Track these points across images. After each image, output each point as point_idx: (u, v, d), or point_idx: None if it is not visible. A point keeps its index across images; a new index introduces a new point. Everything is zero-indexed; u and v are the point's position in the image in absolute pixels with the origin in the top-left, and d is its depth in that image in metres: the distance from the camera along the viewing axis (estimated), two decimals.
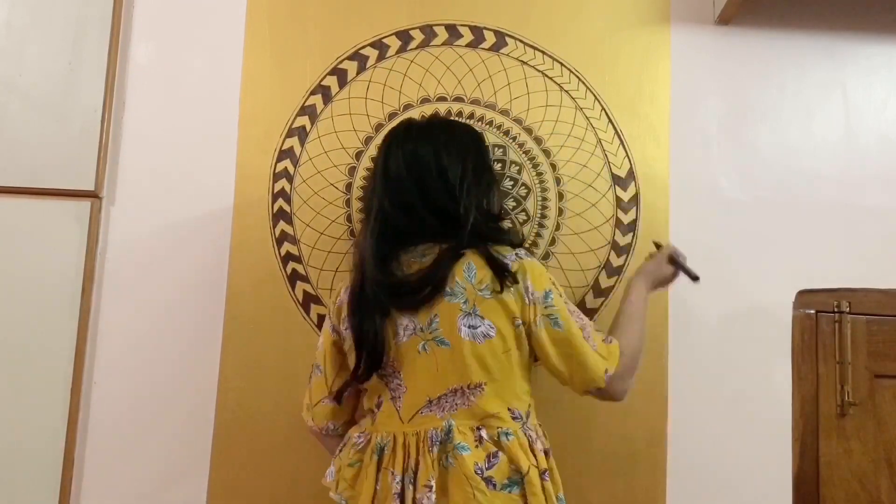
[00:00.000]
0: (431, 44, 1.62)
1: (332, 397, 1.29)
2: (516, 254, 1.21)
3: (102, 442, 1.52)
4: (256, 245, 1.56)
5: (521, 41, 1.62)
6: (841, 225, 1.60)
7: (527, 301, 1.18)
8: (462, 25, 1.62)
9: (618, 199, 1.58)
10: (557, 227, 1.57)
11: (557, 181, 1.58)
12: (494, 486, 1.13)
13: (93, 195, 1.56)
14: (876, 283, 1.56)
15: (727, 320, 1.56)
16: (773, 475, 1.51)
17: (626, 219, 1.58)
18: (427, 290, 1.16)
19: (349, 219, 1.57)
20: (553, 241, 1.57)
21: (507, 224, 1.44)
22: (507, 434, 1.16)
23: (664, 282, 1.43)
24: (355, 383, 1.24)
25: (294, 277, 1.55)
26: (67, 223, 1.55)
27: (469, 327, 1.16)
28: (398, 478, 1.14)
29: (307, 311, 1.54)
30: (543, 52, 1.62)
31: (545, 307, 1.19)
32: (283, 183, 1.58)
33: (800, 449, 1.52)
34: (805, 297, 1.56)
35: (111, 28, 1.60)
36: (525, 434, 1.19)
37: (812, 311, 1.55)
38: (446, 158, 1.21)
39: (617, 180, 1.59)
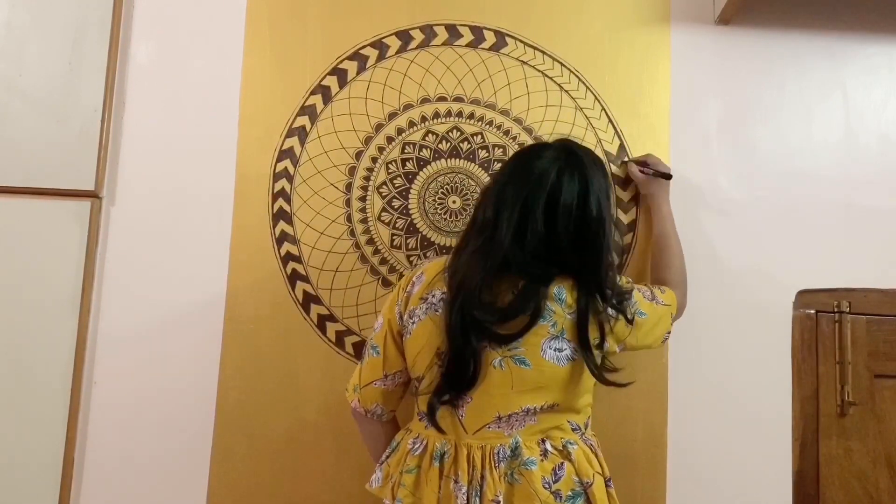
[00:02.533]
0: (431, 44, 1.62)
1: (389, 383, 1.26)
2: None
3: (102, 442, 1.52)
4: (256, 245, 1.56)
5: (521, 41, 1.62)
6: (841, 225, 1.60)
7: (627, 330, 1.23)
8: (462, 25, 1.62)
9: (618, 199, 1.58)
10: None
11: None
12: (561, 498, 1.14)
13: (93, 195, 1.56)
14: (876, 283, 1.57)
15: (727, 320, 1.56)
16: (773, 475, 1.52)
17: (626, 219, 1.58)
18: (519, 321, 1.14)
19: (349, 219, 1.57)
20: None
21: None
22: (571, 443, 1.18)
23: (665, 189, 1.52)
24: (380, 355, 1.24)
25: (294, 277, 1.55)
26: (67, 223, 1.55)
27: (555, 350, 1.15)
28: (464, 489, 1.13)
29: (307, 311, 1.54)
30: (543, 52, 1.62)
31: (631, 308, 1.24)
32: (283, 183, 1.58)
33: (800, 449, 1.52)
34: (805, 297, 1.56)
35: (111, 28, 1.59)
36: (586, 443, 1.20)
37: (812, 311, 1.55)
38: (586, 204, 1.16)
39: (617, 180, 1.59)
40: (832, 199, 1.61)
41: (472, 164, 1.58)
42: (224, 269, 1.55)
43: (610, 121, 1.60)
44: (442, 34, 1.62)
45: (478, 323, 1.14)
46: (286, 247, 1.56)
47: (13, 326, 1.52)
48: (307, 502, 1.50)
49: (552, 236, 1.15)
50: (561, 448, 1.16)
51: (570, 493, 1.14)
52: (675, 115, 1.61)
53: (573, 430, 1.20)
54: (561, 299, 1.17)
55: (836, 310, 1.55)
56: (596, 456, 1.21)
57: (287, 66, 1.61)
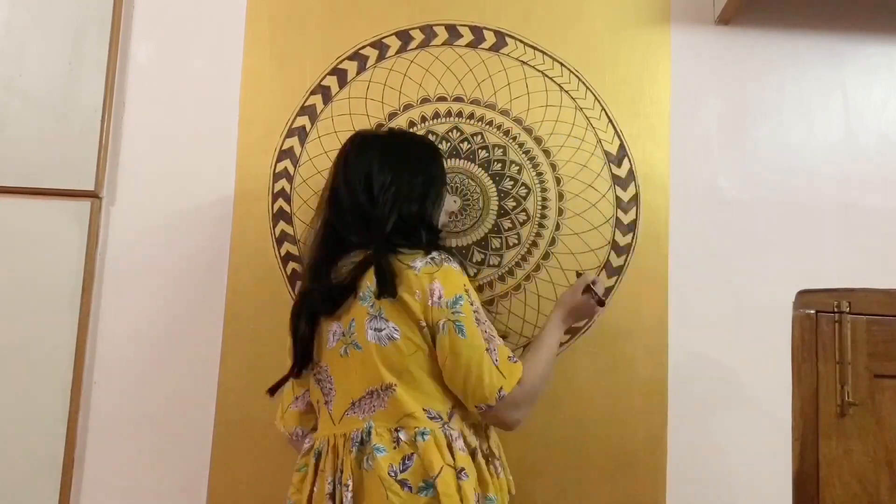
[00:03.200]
0: (431, 44, 1.62)
1: (299, 404, 1.31)
2: (431, 258, 1.20)
3: (102, 442, 1.52)
4: (256, 245, 1.56)
5: (521, 41, 1.62)
6: (841, 225, 1.60)
7: (430, 303, 1.17)
8: (462, 25, 1.62)
9: (618, 199, 1.58)
10: (557, 227, 1.57)
11: (557, 181, 1.58)
12: (410, 488, 1.13)
13: (93, 195, 1.56)
14: (876, 283, 1.57)
15: (727, 320, 1.56)
16: (773, 475, 1.52)
17: (626, 219, 1.58)
18: (340, 297, 1.21)
19: None
20: (553, 242, 1.57)
21: (444, 235, 1.41)
22: (423, 434, 1.16)
23: (581, 312, 1.36)
24: (291, 379, 1.30)
25: (294, 277, 1.55)
26: (67, 223, 1.55)
27: (375, 330, 1.18)
28: (329, 478, 1.17)
29: None
30: (543, 52, 1.62)
31: (452, 312, 1.17)
32: (283, 183, 1.58)
33: (800, 449, 1.52)
34: (805, 297, 1.56)
35: (111, 28, 1.60)
36: (445, 434, 1.17)
37: (812, 311, 1.55)
38: (376, 168, 1.25)
39: (617, 180, 1.59)
40: (832, 199, 1.61)
41: (472, 164, 1.58)
42: (224, 269, 1.55)
43: (610, 121, 1.60)
44: (442, 34, 1.62)
45: (311, 301, 1.24)
46: (286, 247, 1.56)
47: (13, 326, 1.52)
48: None
49: (352, 205, 1.25)
50: (413, 439, 1.16)
51: (421, 483, 1.13)
52: (675, 115, 1.61)
53: (431, 418, 1.17)
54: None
55: (836, 310, 1.55)
56: (450, 447, 1.16)
57: (287, 66, 1.61)
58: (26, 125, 1.56)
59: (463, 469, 1.15)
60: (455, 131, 1.59)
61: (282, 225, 1.57)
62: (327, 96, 1.60)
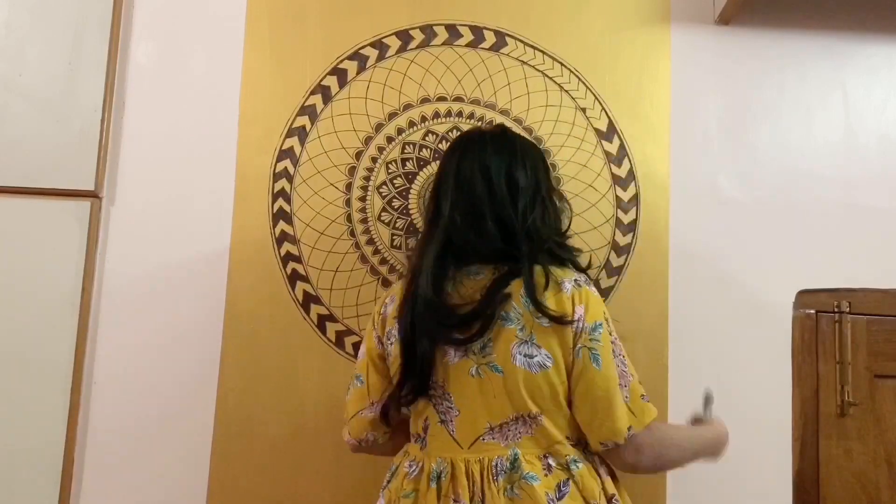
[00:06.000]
0: (431, 44, 1.62)
1: (376, 410, 1.22)
2: (575, 280, 1.14)
3: (102, 442, 1.52)
4: (256, 245, 1.56)
5: (521, 41, 1.62)
6: (841, 225, 1.60)
7: (575, 329, 1.11)
8: (462, 25, 1.62)
9: (618, 199, 1.58)
10: None
11: (557, 181, 1.58)
12: None
13: (93, 195, 1.56)
14: (876, 283, 1.57)
15: (727, 320, 1.56)
16: (773, 475, 1.52)
17: (626, 219, 1.58)
18: (477, 326, 1.10)
19: (349, 219, 1.57)
20: None
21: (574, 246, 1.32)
22: (575, 462, 1.11)
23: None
24: (399, 406, 1.19)
25: (294, 277, 1.55)
26: (67, 223, 1.55)
27: (525, 356, 1.10)
28: None
29: (307, 311, 1.54)
30: (543, 52, 1.62)
31: (590, 339, 1.11)
32: (283, 183, 1.58)
33: (800, 449, 1.52)
34: (805, 297, 1.56)
35: (111, 28, 1.59)
36: (589, 460, 1.13)
37: (812, 311, 1.55)
38: (519, 170, 1.16)
39: (617, 180, 1.59)
40: (832, 199, 1.61)
41: None
42: (224, 269, 1.55)
43: (610, 121, 1.60)
44: (442, 34, 1.62)
45: (433, 323, 1.12)
46: (286, 247, 1.56)
47: (13, 326, 1.52)
48: (307, 501, 1.50)
49: (492, 206, 1.14)
50: (566, 466, 1.11)
51: None
52: (675, 115, 1.61)
53: (574, 445, 1.13)
54: (528, 301, 1.11)
55: (836, 310, 1.55)
56: (598, 473, 1.13)
57: (287, 66, 1.61)
58: (26, 125, 1.56)
59: (614, 495, 1.12)
60: (455, 131, 1.59)
61: (282, 225, 1.57)
62: (327, 96, 1.60)
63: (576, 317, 1.11)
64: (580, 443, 1.15)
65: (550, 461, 1.11)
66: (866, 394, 1.52)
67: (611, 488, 1.13)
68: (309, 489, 1.50)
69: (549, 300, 1.11)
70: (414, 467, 1.15)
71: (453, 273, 1.14)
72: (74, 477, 1.50)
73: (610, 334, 1.14)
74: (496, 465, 1.10)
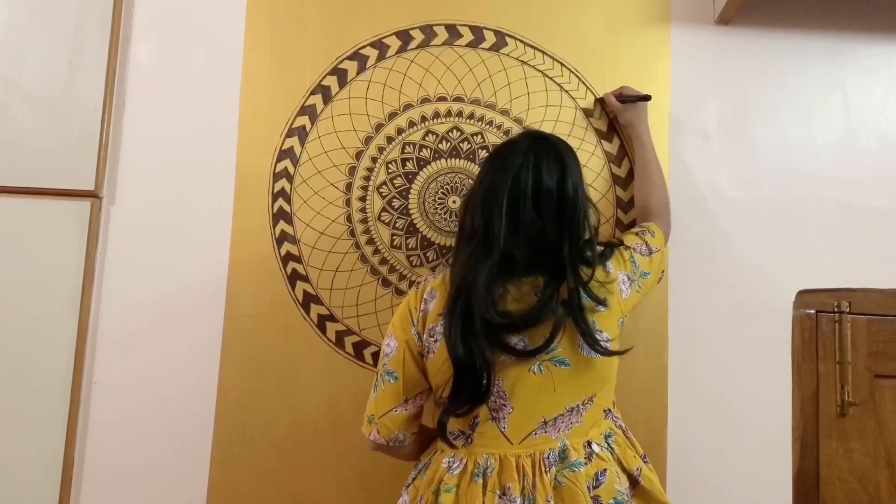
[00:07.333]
0: (431, 44, 1.62)
1: (410, 408, 1.23)
2: (609, 262, 1.24)
3: (102, 442, 1.52)
4: (256, 245, 1.56)
5: (521, 41, 1.62)
6: (841, 225, 1.60)
7: (623, 297, 1.23)
8: (462, 25, 1.63)
9: (618, 199, 1.58)
10: None
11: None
12: None
13: (93, 195, 1.56)
14: (876, 283, 1.57)
15: (727, 320, 1.56)
16: (773, 475, 1.52)
17: (626, 219, 1.58)
18: (542, 337, 1.13)
19: (349, 219, 1.57)
20: None
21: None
22: (610, 435, 1.20)
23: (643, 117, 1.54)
24: (401, 381, 1.21)
25: (294, 277, 1.55)
26: (67, 223, 1.55)
27: (590, 345, 1.15)
28: (518, 501, 1.11)
29: (307, 311, 1.54)
30: (543, 52, 1.62)
31: (640, 279, 1.27)
32: (283, 183, 1.58)
33: (800, 449, 1.52)
34: (805, 297, 1.56)
35: (111, 28, 1.59)
36: (616, 424, 1.23)
37: (812, 311, 1.55)
38: (568, 182, 1.18)
39: (617, 180, 1.59)
40: (832, 199, 1.61)
41: (472, 164, 1.58)
42: (224, 269, 1.55)
43: (610, 121, 1.60)
44: (442, 34, 1.62)
45: (493, 334, 1.13)
46: (286, 247, 1.56)
47: (13, 326, 1.52)
48: (307, 502, 1.50)
49: (543, 221, 1.15)
50: (606, 447, 1.18)
51: (611, 501, 1.13)
52: (675, 115, 1.61)
53: (606, 417, 1.21)
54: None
55: (836, 310, 1.55)
56: (628, 438, 1.23)
57: (287, 66, 1.61)
58: (26, 125, 1.56)
59: (644, 454, 1.24)
60: (455, 131, 1.59)
61: (282, 225, 1.57)
62: (327, 96, 1.60)
63: (622, 286, 1.23)
64: (609, 411, 1.23)
65: (593, 447, 1.16)
66: (866, 394, 1.52)
67: (640, 448, 1.24)
68: (309, 489, 1.50)
69: (599, 289, 1.17)
70: (456, 463, 1.17)
71: (506, 286, 1.15)
72: (74, 477, 1.50)
73: (634, 252, 1.29)
74: (548, 457, 1.14)
